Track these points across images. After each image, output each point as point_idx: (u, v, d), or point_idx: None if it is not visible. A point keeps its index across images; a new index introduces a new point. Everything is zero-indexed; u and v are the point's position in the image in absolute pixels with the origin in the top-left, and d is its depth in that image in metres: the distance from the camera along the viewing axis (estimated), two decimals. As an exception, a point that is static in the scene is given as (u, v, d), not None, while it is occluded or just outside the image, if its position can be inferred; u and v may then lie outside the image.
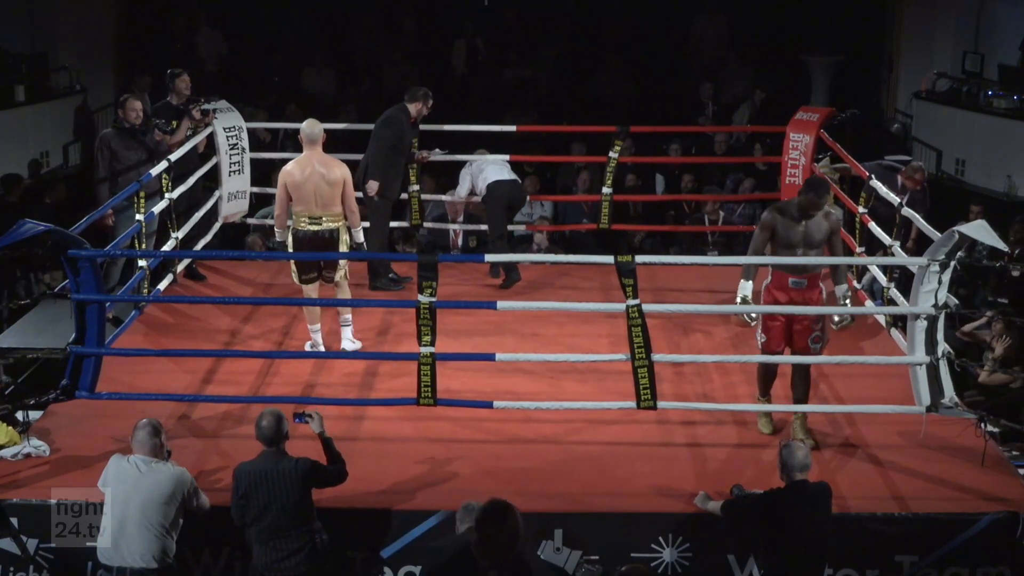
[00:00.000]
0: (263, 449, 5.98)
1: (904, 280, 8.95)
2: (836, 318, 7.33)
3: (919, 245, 9.37)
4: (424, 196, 10.53)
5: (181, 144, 9.35)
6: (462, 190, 10.16)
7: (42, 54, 14.57)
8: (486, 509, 5.09)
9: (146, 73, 14.49)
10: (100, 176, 9.26)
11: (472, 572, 5.02)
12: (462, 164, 10.36)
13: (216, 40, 16.38)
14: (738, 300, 7.24)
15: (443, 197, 10.89)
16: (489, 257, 8.40)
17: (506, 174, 9.91)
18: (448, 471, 6.82)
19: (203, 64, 15.76)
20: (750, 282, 7.27)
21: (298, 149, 12.71)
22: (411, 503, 6.49)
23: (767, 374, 7.43)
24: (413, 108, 9.55)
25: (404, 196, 10.14)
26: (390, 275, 9.65)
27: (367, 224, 8.66)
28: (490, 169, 9.91)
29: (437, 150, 10.11)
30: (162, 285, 9.06)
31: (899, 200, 8.53)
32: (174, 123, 9.53)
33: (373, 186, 9.47)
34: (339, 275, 8.21)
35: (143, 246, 8.72)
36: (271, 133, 13.52)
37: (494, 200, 9.81)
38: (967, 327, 9.38)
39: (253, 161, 10.18)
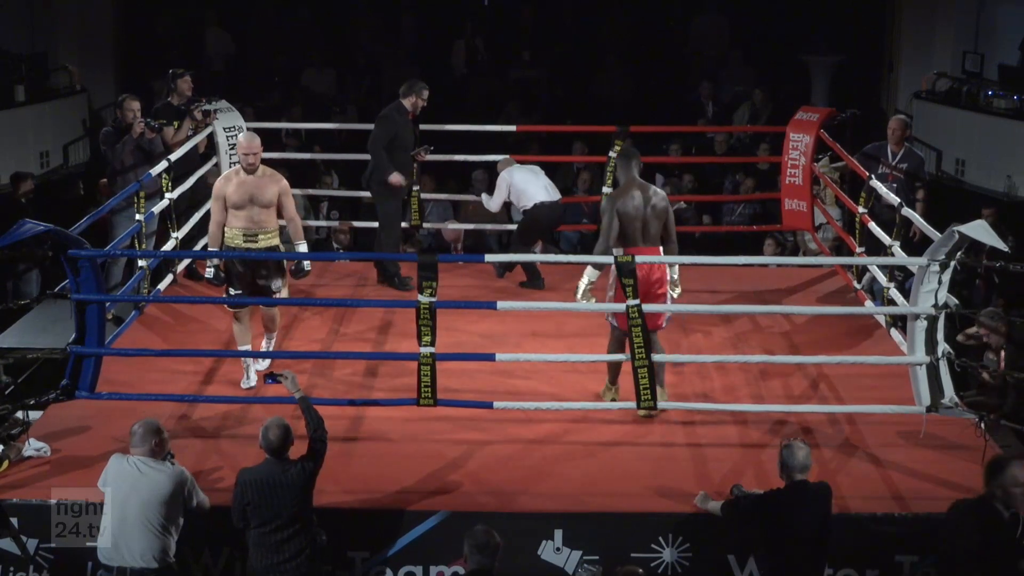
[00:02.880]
0: (267, 457, 5.97)
1: (905, 280, 8.96)
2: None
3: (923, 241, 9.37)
4: (424, 195, 10.53)
5: (182, 144, 9.35)
6: (495, 203, 9.90)
7: (42, 54, 14.57)
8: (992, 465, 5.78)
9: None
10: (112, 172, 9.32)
11: (995, 517, 5.66)
12: (460, 164, 10.32)
13: (224, 40, 16.39)
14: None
15: (462, 197, 10.73)
16: (489, 257, 8.43)
17: (552, 194, 9.69)
18: (448, 471, 6.82)
19: (207, 64, 15.75)
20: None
21: (300, 148, 12.78)
22: (411, 503, 6.49)
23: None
24: (407, 103, 9.47)
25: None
26: (396, 276, 9.64)
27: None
28: (534, 187, 9.65)
29: (431, 147, 9.92)
30: (162, 285, 9.06)
31: (899, 201, 8.52)
32: (175, 123, 9.52)
33: (397, 178, 9.38)
34: None
35: (143, 246, 8.72)
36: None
37: (534, 221, 9.67)
38: (969, 331, 9.35)
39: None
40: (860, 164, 9.30)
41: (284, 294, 7.86)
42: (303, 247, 7.82)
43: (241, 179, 7.64)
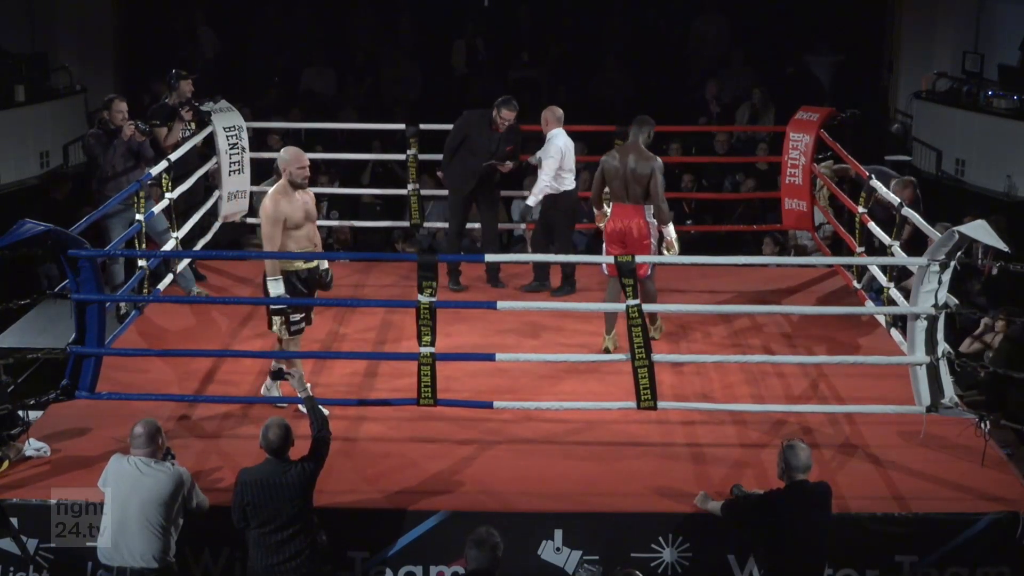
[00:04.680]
0: (267, 457, 5.97)
1: (901, 278, 8.95)
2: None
3: (912, 245, 9.37)
4: (424, 192, 10.54)
5: (177, 146, 9.32)
6: (547, 176, 9.30)
7: (42, 54, 14.56)
8: None
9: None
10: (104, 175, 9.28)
11: None
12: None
13: (211, 39, 16.37)
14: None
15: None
16: (489, 257, 8.42)
17: (575, 181, 9.54)
18: (448, 471, 6.82)
19: (201, 63, 15.74)
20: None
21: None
22: (411, 503, 6.49)
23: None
24: (494, 114, 9.37)
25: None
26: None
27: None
28: (572, 167, 9.45)
29: (512, 163, 9.60)
30: (162, 285, 9.05)
31: (898, 200, 8.52)
32: (168, 124, 9.50)
33: (440, 174, 9.65)
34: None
35: (143, 246, 8.71)
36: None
37: (573, 212, 9.47)
38: (972, 335, 9.32)
39: (252, 160, 10.17)
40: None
41: None
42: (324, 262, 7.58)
43: (291, 196, 7.25)
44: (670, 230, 8.17)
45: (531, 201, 9.49)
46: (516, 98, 9.57)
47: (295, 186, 7.27)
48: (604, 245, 8.30)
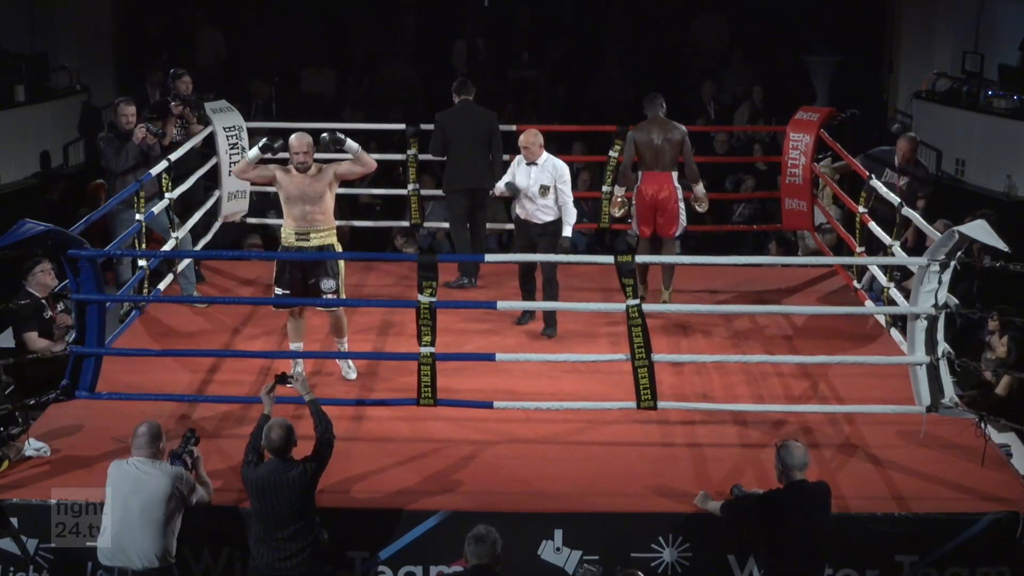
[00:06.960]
0: (270, 457, 5.98)
1: (902, 278, 8.95)
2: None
3: (917, 244, 9.38)
4: (424, 192, 10.54)
5: (176, 144, 9.30)
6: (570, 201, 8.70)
7: (42, 54, 14.56)
8: None
9: (158, 68, 14.50)
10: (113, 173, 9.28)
11: None
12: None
13: (216, 40, 16.38)
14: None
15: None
16: (489, 257, 8.40)
17: None
18: (448, 471, 6.82)
19: (202, 64, 15.75)
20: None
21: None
22: (411, 503, 6.49)
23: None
24: None
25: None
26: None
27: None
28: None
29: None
30: (162, 285, 9.04)
31: (899, 200, 8.52)
32: (165, 119, 9.49)
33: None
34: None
35: (144, 246, 8.71)
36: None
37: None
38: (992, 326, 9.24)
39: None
40: (864, 166, 9.30)
41: (342, 294, 7.73)
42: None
43: (291, 171, 7.60)
44: (700, 187, 9.21)
45: (568, 231, 8.63)
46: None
47: (297, 170, 7.58)
48: (635, 210, 9.15)
